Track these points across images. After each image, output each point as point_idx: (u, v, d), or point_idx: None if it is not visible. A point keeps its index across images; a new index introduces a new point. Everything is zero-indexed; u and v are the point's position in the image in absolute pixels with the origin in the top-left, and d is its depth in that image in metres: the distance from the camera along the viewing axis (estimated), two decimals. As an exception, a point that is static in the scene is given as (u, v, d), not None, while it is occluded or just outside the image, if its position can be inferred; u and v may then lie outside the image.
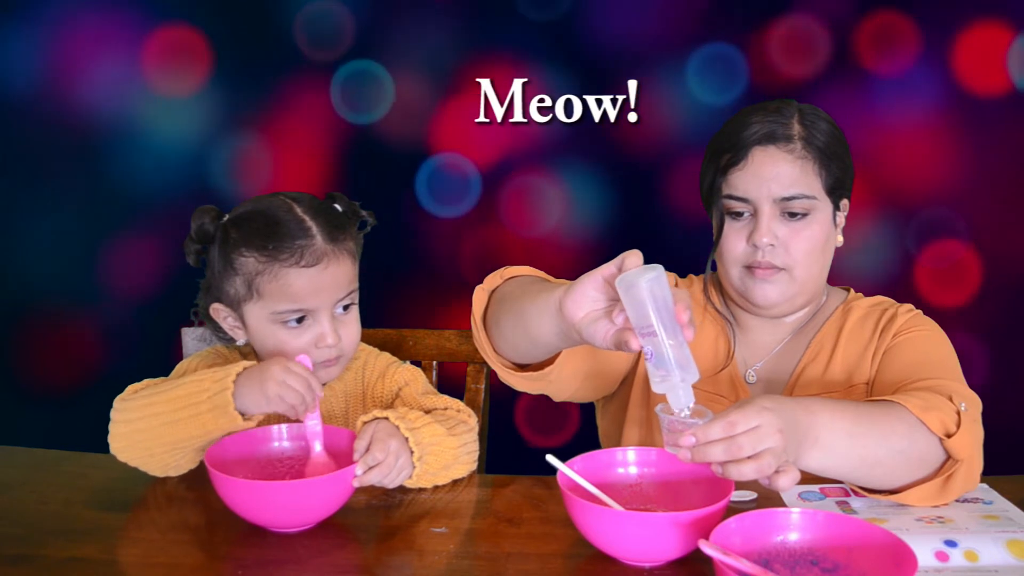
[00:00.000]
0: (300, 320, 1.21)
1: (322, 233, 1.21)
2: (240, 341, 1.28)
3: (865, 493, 1.09)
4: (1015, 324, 2.32)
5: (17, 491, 1.19)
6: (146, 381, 1.19)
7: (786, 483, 0.91)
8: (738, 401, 1.00)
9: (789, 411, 0.96)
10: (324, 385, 1.30)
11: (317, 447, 1.14)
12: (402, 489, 1.15)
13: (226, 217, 1.25)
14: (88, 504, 1.14)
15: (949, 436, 1.04)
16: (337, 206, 1.27)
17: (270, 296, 1.20)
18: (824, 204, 1.26)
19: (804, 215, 1.25)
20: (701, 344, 1.37)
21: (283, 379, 1.10)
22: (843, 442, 1.00)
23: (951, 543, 0.96)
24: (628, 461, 1.09)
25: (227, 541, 1.05)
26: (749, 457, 0.90)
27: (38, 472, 1.25)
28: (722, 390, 1.34)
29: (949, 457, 1.06)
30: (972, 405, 1.10)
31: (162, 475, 1.19)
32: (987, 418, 1.12)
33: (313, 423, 1.14)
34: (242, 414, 1.11)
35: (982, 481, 1.12)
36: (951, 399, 1.08)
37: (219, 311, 1.26)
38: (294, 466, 1.15)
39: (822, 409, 1.00)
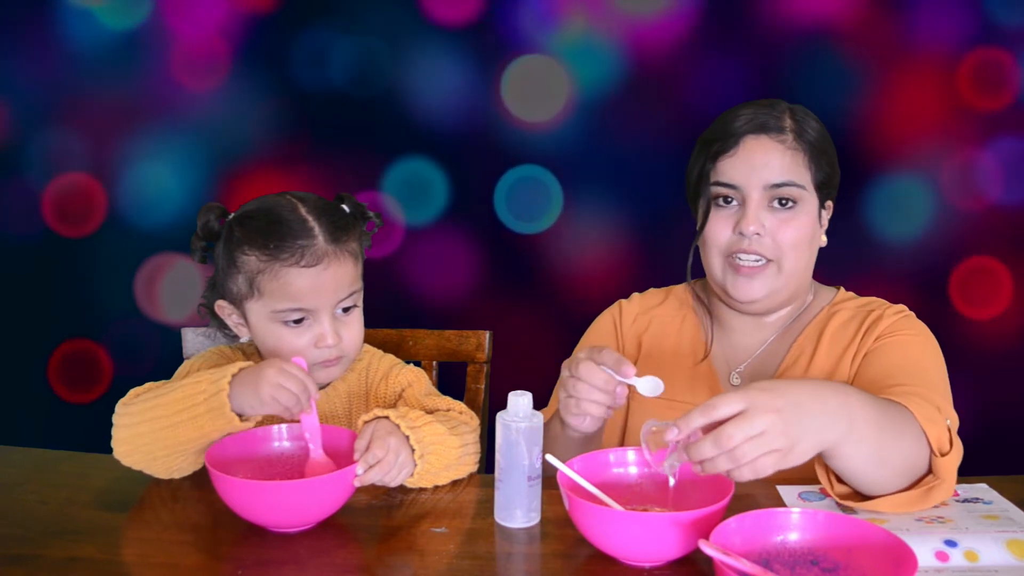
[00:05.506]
0: (300, 320, 1.22)
1: (324, 233, 1.21)
2: (244, 338, 1.28)
3: (838, 499, 1.04)
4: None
5: (17, 491, 1.19)
6: (148, 384, 1.18)
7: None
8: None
9: (790, 390, 0.90)
10: (326, 385, 1.31)
11: (314, 447, 1.14)
12: (402, 489, 1.16)
13: (231, 215, 1.25)
14: (88, 504, 1.14)
15: (943, 455, 1.01)
16: (344, 207, 1.27)
17: (271, 295, 1.20)
18: (811, 197, 1.28)
19: (792, 205, 1.26)
20: (680, 339, 1.39)
21: (277, 380, 1.10)
22: (873, 433, 0.94)
23: (951, 543, 0.96)
24: (628, 461, 1.09)
25: (227, 541, 1.05)
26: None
27: (38, 472, 1.26)
28: (700, 391, 1.34)
29: (930, 472, 1.03)
30: (954, 423, 1.08)
31: (166, 477, 1.19)
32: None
33: (310, 423, 1.14)
34: (239, 416, 1.11)
35: (982, 481, 1.12)
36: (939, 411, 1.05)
37: (223, 308, 1.26)
38: (294, 466, 1.15)
39: (852, 393, 0.94)
